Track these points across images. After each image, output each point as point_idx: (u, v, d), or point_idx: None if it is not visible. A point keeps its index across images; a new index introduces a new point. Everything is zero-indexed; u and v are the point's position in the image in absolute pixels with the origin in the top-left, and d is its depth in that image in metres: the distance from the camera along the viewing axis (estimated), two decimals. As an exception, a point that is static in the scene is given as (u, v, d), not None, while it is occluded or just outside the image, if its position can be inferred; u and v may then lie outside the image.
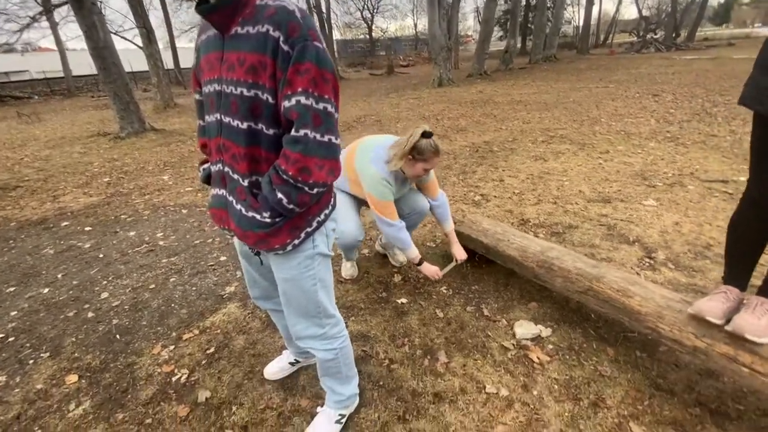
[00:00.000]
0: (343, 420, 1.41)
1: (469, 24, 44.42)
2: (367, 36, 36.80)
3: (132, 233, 3.25)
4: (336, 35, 26.57)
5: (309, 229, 1.05)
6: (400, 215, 2.04)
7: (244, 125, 0.93)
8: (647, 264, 2.25)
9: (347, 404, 1.42)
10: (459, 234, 2.29)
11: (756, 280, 1.40)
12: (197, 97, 1.14)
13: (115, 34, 8.98)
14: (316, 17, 17.84)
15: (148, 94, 16.10)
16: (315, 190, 0.94)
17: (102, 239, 3.17)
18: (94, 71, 7.77)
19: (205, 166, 1.21)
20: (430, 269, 2.06)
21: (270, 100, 0.90)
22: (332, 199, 1.12)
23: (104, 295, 2.38)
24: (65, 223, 3.57)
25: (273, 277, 1.30)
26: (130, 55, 17.60)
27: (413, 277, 2.30)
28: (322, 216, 1.08)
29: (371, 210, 1.96)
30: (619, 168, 3.87)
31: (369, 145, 1.97)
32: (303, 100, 0.86)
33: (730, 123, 5.27)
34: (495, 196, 3.38)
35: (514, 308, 1.98)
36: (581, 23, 25.96)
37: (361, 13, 35.51)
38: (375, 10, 35.90)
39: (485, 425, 1.39)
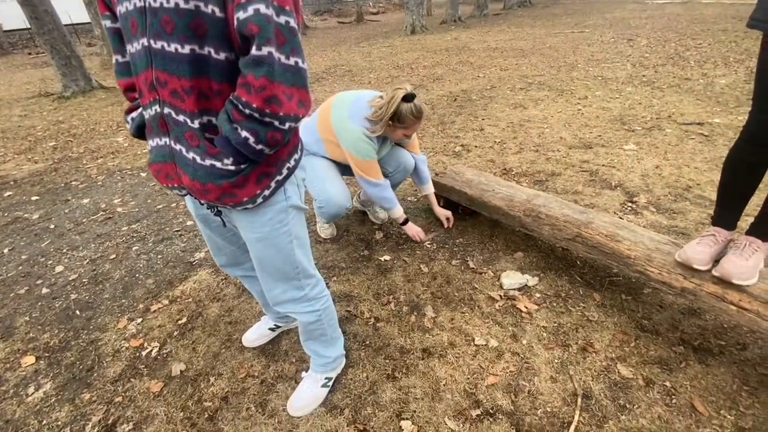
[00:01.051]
0: (330, 383, 1.35)
1: (440, -33, 41.90)
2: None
3: (86, 201, 2.97)
4: (299, -21, 24.44)
5: (279, 178, 0.90)
6: (384, 174, 1.91)
7: (186, 49, 0.73)
8: (629, 208, 2.23)
9: (333, 366, 1.35)
10: (442, 186, 2.19)
11: (743, 223, 1.37)
12: (108, 24, 0.88)
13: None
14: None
15: (93, 48, 14.57)
16: (287, 125, 0.76)
17: (52, 209, 2.89)
18: (28, 25, 6.84)
19: (134, 114, 0.96)
20: (414, 229, 1.99)
21: (217, 12, 0.70)
22: (299, 142, 0.96)
23: (59, 268, 2.17)
24: (8, 193, 3.22)
25: (239, 240, 1.16)
26: (67, 4, 15.71)
27: (395, 233, 2.21)
28: (292, 162, 0.92)
29: (353, 170, 1.81)
30: (598, 113, 3.80)
31: (345, 101, 1.78)
32: (263, 8, 0.67)
33: (702, 66, 5.24)
34: (476, 146, 3.26)
35: (500, 259, 1.93)
36: (556, -35, 24.88)
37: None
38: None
39: (476, 377, 1.36)
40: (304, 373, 1.37)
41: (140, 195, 2.98)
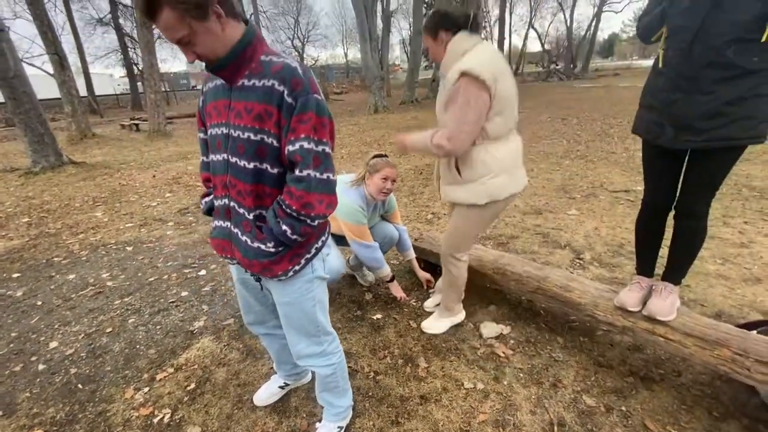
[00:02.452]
0: (342, 431, 1.50)
1: (396, 54, 46.91)
2: (298, 61, 37.09)
3: (72, 276, 3.00)
4: (267, 63, 26.44)
5: (308, 256, 1.18)
6: None
7: (251, 165, 1.05)
8: (578, 264, 2.65)
9: (345, 416, 1.51)
10: (421, 250, 2.51)
11: (660, 269, 1.78)
12: (201, 135, 1.23)
13: (22, 60, 8.11)
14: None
15: (57, 123, 14.59)
16: (316, 222, 1.07)
17: (36, 285, 2.89)
18: (3, 101, 6.95)
19: (207, 199, 1.29)
20: (398, 290, 2.28)
21: (275, 143, 1.03)
22: (328, 227, 1.26)
23: (53, 344, 2.19)
24: (-16, 272, 3.17)
25: (269, 301, 1.39)
26: (36, 82, 15.92)
27: (383, 294, 2.46)
28: (320, 243, 1.21)
29: (347, 236, 2.11)
30: (544, 184, 4.43)
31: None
32: (305, 144, 1.00)
33: (624, 142, 6.27)
34: (444, 214, 3.68)
35: (477, 312, 2.21)
36: (496, 55, 28.80)
37: (292, 42, 35.88)
38: (305, 39, 36.49)
39: (468, 416, 1.57)
40: (318, 424, 1.52)
41: (129, 268, 3.06)
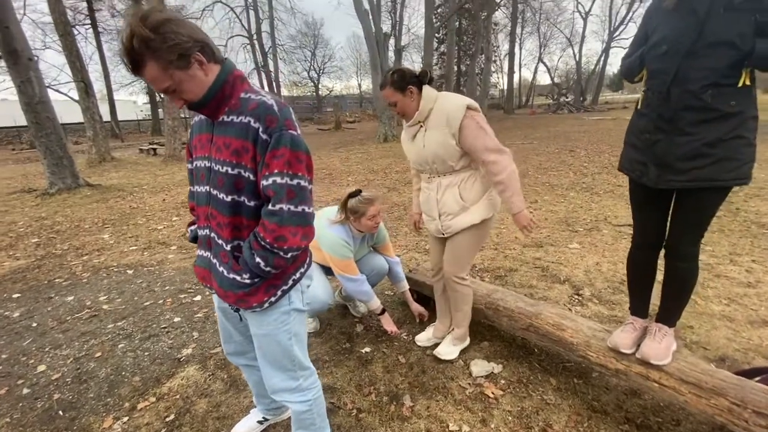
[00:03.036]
0: (317, 473, 1.44)
1: (408, 84, 48.19)
2: (314, 93, 38.42)
3: (70, 298, 3.03)
4: (284, 92, 27.45)
5: (285, 287, 1.18)
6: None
7: (229, 198, 1.08)
8: (576, 300, 2.58)
9: (320, 456, 1.45)
10: (415, 281, 2.48)
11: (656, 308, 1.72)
12: (189, 166, 1.27)
13: (48, 87, 8.62)
14: (264, 76, 18.39)
15: (79, 147, 15.21)
16: (290, 255, 1.08)
17: (34, 306, 2.92)
18: (18, 123, 7.34)
19: (193, 227, 1.32)
20: (389, 323, 2.24)
21: (251, 177, 1.06)
22: (308, 258, 1.26)
23: (41, 368, 2.19)
24: (-13, 291, 3.23)
25: (247, 331, 1.38)
26: (61, 107, 16.73)
27: (375, 326, 2.41)
28: (298, 274, 1.21)
29: (334, 270, 2.12)
30: (546, 216, 4.39)
31: (322, 215, 2.20)
32: (278, 179, 1.02)
33: (632, 175, 6.22)
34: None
35: (469, 348, 2.15)
36: (506, 87, 29.43)
37: (308, 73, 37.25)
38: (321, 71, 37.86)
39: (451, 462, 1.49)
40: (292, 464, 1.46)
41: (127, 292, 3.09)
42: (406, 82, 1.69)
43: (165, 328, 2.54)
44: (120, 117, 23.00)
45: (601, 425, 1.63)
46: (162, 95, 1.07)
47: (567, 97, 28.76)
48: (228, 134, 1.06)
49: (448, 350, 2.08)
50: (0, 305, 2.96)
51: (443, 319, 2.20)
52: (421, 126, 1.76)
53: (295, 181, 1.05)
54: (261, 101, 1.05)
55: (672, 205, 1.51)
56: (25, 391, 2.01)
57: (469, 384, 1.89)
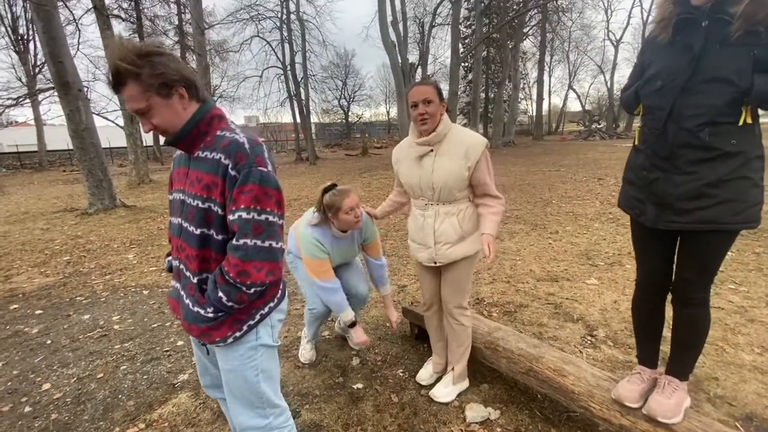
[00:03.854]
0: None
1: (436, 111, 48.80)
2: (344, 120, 39.59)
3: (86, 317, 3.15)
4: (314, 119, 28.48)
5: (251, 322, 1.16)
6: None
7: (198, 231, 1.10)
8: (589, 342, 2.41)
9: (293, 501, 1.38)
10: (414, 315, 2.41)
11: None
12: (169, 197, 1.30)
13: (97, 114, 9.40)
14: (296, 104, 19.16)
15: (123, 169, 16.27)
16: (252, 290, 1.07)
17: (52, 323, 3.05)
18: (71, 146, 7.94)
19: (170, 258, 1.34)
20: (360, 335, 2.08)
21: (220, 212, 1.08)
22: (279, 293, 1.25)
23: (46, 386, 2.26)
24: (14, 306, 3.42)
25: (222, 365, 1.36)
26: (110, 132, 18.08)
27: (371, 360, 2.34)
28: (266, 309, 1.19)
29: (308, 274, 2.06)
30: (566, 248, 4.20)
31: (304, 217, 2.18)
32: (244, 215, 1.03)
33: (663, 206, 5.90)
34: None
35: (467, 390, 2.03)
36: (535, 113, 29.19)
37: (338, 101, 38.55)
38: (351, 99, 39.09)
39: None
40: (263, 508, 1.40)
41: (138, 313, 3.17)
42: (442, 96, 1.75)
43: (167, 351, 2.57)
44: (161, 140, 24.50)
45: (604, 488, 1.47)
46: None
47: (599, 124, 28.10)
48: (201, 169, 1.09)
49: (446, 392, 1.98)
50: (21, 321, 3.12)
51: (440, 353, 2.12)
52: (431, 150, 1.75)
53: (263, 216, 1.05)
54: (233, 139, 1.08)
55: (677, 245, 1.40)
56: (27, 409, 2.06)
57: (462, 430, 1.77)
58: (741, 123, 1.14)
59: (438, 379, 2.06)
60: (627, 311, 2.74)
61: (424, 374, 2.11)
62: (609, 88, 31.54)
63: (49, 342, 2.77)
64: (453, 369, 2.01)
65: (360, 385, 2.11)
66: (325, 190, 1.99)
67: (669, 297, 1.51)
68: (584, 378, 1.68)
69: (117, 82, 1.01)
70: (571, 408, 1.69)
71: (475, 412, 1.86)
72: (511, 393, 2.00)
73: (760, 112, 1.18)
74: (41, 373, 2.40)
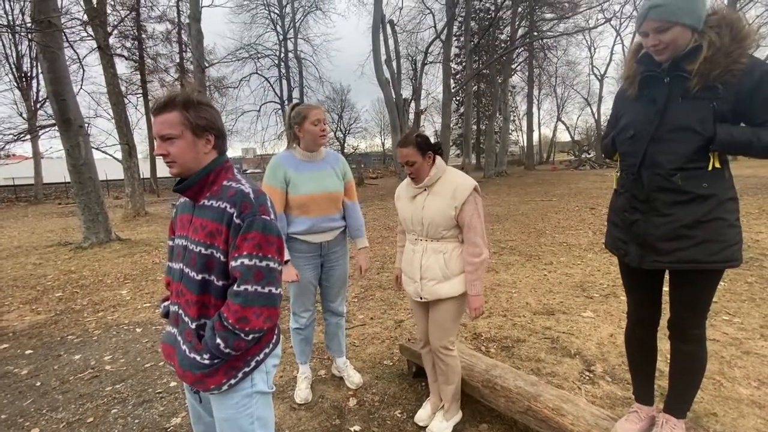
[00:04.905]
0: None
1: (430, 142, 49.86)
2: (340, 151, 40.28)
3: (77, 357, 3.08)
4: (310, 150, 28.96)
5: (246, 369, 1.17)
6: (321, 284, 2.33)
7: (199, 276, 1.13)
8: (587, 378, 2.40)
9: None
10: (412, 352, 2.40)
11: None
12: (170, 243, 1.34)
13: (96, 149, 9.53)
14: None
15: (119, 201, 16.28)
16: (250, 337, 1.09)
17: (42, 364, 2.99)
18: (67, 179, 7.98)
19: (166, 303, 1.36)
20: (291, 273, 2.06)
21: (222, 258, 1.12)
22: (274, 337, 1.26)
23: (35, 431, 2.19)
24: (4, 346, 3.34)
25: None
26: (107, 165, 18.22)
27: (368, 401, 2.31)
28: (262, 355, 1.21)
29: None
30: (561, 279, 4.23)
31: None
32: (246, 261, 1.08)
33: (655, 235, 5.99)
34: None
35: (466, 430, 2.00)
36: (525, 144, 29.96)
37: (335, 134, 39.36)
38: (347, 131, 39.97)
39: None
40: None
41: (131, 352, 3.12)
42: (428, 147, 1.80)
43: (160, 393, 2.52)
44: (159, 174, 24.68)
45: None
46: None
47: (589, 154, 28.85)
48: (206, 217, 1.14)
49: (441, 427, 1.97)
50: (11, 361, 3.05)
51: (437, 392, 2.09)
52: (425, 190, 1.84)
53: (264, 263, 1.10)
54: (239, 189, 1.14)
55: (668, 282, 1.45)
56: (13, 458, 2.00)
57: (462, 474, 1.74)
58: (710, 168, 1.22)
59: None
60: (623, 345, 2.74)
61: (423, 415, 2.08)
62: (596, 119, 32.63)
63: (38, 384, 2.70)
64: (444, 406, 2.01)
65: (357, 428, 2.07)
66: (295, 105, 2.09)
67: (663, 330, 1.54)
68: (583, 417, 1.67)
69: (164, 105, 1.11)
70: (572, 449, 1.68)
71: (475, 454, 1.83)
72: (511, 433, 1.98)
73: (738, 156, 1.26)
74: (30, 417, 2.33)
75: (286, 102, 19.43)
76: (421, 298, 1.89)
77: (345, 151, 40.02)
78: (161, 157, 1.16)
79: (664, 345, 1.59)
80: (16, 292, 4.95)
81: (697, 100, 1.21)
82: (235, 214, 1.10)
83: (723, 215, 1.24)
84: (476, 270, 1.77)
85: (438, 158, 1.85)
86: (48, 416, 2.33)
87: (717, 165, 1.23)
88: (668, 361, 1.53)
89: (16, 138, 9.80)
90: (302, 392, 2.32)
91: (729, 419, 1.96)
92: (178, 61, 19.98)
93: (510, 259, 5.15)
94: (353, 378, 2.44)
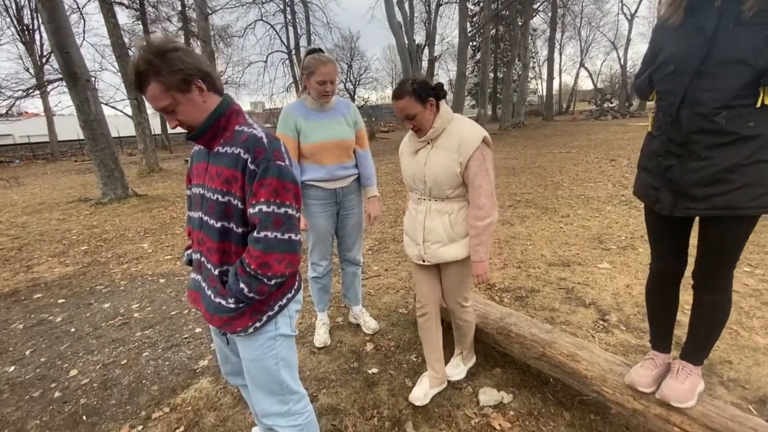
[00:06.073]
0: (310, 498, 1.43)
1: (443, 93, 47.89)
2: (350, 103, 39.07)
3: (107, 305, 3.24)
4: (319, 103, 28.22)
5: (271, 313, 1.19)
6: (338, 234, 2.35)
7: (218, 224, 1.13)
8: (601, 326, 2.42)
9: (314, 481, 1.44)
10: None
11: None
12: (187, 192, 1.33)
13: (106, 104, 9.46)
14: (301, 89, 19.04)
15: (133, 158, 16.42)
16: (273, 282, 1.10)
17: (75, 312, 3.16)
18: (81, 136, 8.01)
19: (189, 251, 1.37)
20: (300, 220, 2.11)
21: (239, 205, 1.11)
22: (296, 283, 1.27)
23: (73, 372, 2.35)
24: (38, 296, 3.53)
25: (242, 353, 1.41)
26: (118, 121, 18.17)
27: (385, 346, 2.39)
28: (284, 300, 1.23)
29: None
30: (578, 232, 4.17)
31: None
32: (264, 208, 1.06)
33: (677, 187, 5.79)
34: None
35: (479, 374, 2.07)
36: (545, 93, 28.57)
37: (344, 84, 38.07)
38: (357, 82, 38.57)
39: (448, 498, 1.43)
40: (286, 487, 1.46)
41: (157, 301, 3.26)
42: (427, 93, 1.55)
43: (186, 338, 2.65)
44: (170, 129, 24.57)
45: (616, 469, 1.51)
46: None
47: (611, 103, 27.42)
48: (221, 164, 1.11)
49: (457, 371, 2.04)
50: (46, 310, 3.23)
51: (435, 365, 1.93)
52: (428, 143, 1.66)
53: (282, 210, 1.07)
54: (252, 134, 1.09)
55: (697, 231, 1.39)
56: (57, 394, 2.16)
57: (476, 413, 1.81)
58: (759, 105, 1.11)
59: (438, 394, 1.94)
60: (640, 295, 2.73)
61: (419, 393, 1.88)
62: (622, 65, 30.66)
63: (73, 330, 2.87)
64: (462, 353, 2.07)
65: (375, 370, 2.16)
66: (310, 51, 1.98)
67: (683, 281, 1.50)
68: (597, 363, 1.69)
69: (139, 83, 1.04)
70: (584, 392, 1.72)
71: (489, 396, 1.90)
72: (524, 377, 2.04)
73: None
74: (68, 359, 2.49)
75: (293, 51, 18.64)
76: (423, 261, 1.78)
77: (355, 103, 38.90)
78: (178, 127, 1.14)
79: (682, 296, 1.56)
80: (43, 246, 5.15)
81: (751, 26, 1.07)
82: (249, 160, 1.06)
83: (767, 157, 1.14)
84: (480, 235, 1.61)
85: (442, 105, 1.62)
86: (84, 359, 2.50)
87: (766, 101, 1.11)
88: (686, 311, 1.51)
89: (25, 94, 9.74)
90: (321, 337, 2.41)
91: (743, 367, 1.97)
92: (179, 8, 19.11)
93: (525, 212, 5.08)
94: (369, 324, 2.52)
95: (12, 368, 2.44)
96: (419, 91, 1.54)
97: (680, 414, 1.41)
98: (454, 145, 1.57)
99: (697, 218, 1.35)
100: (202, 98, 1.10)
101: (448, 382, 1.99)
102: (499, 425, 1.73)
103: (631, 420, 1.71)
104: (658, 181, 1.34)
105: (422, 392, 1.88)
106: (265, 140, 1.09)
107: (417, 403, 1.86)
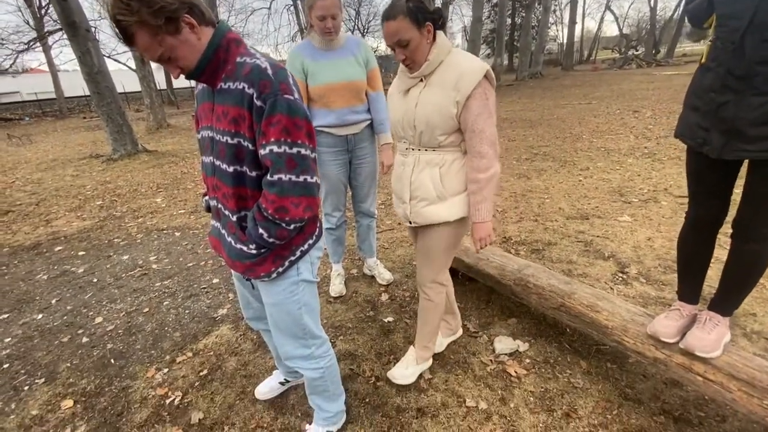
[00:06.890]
0: (331, 436, 1.48)
1: (457, 42, 45.52)
2: (358, 55, 37.46)
3: (125, 257, 3.31)
4: (327, 54, 27.05)
5: (293, 258, 1.16)
6: (352, 184, 2.30)
7: (231, 169, 1.06)
8: (620, 279, 2.37)
9: (334, 421, 1.50)
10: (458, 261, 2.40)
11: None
12: (197, 136, 1.25)
13: (108, 57, 9.17)
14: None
15: (140, 114, 16.23)
16: (292, 226, 1.05)
17: (96, 263, 3.23)
18: (87, 93, 7.88)
19: (206, 197, 1.31)
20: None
21: (250, 147, 1.03)
22: (317, 229, 1.23)
23: (98, 319, 2.43)
24: (58, 248, 3.62)
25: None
26: (123, 76, 17.79)
27: (399, 296, 2.40)
28: (306, 246, 1.19)
29: None
30: (597, 185, 4.04)
31: None
32: (275, 148, 0.98)
33: (704, 138, 5.50)
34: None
35: (495, 324, 2.08)
36: (565, 41, 26.85)
37: (352, 32, 36.26)
38: (365, 30, 36.68)
39: (465, 438, 1.47)
40: (308, 426, 1.52)
41: (173, 253, 3.31)
42: (425, 16, 1.28)
43: (204, 288, 2.70)
44: (176, 85, 24.04)
45: (632, 414, 1.52)
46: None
47: (637, 50, 25.72)
48: (226, 102, 1.02)
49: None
50: (67, 262, 3.31)
51: (447, 317, 1.86)
52: (422, 80, 1.38)
53: (294, 150, 1.00)
54: (255, 65, 0.99)
55: (744, 176, 1.28)
56: (84, 339, 2.25)
57: (491, 360, 1.83)
58: None
59: (454, 342, 1.89)
60: (661, 248, 2.66)
61: (398, 373, 1.72)
62: (652, 6, 28.35)
63: (95, 280, 2.95)
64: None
65: (390, 319, 2.18)
66: None
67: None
68: (618, 313, 1.66)
69: (125, 36, 0.93)
70: (603, 342, 1.71)
71: (504, 344, 1.91)
72: (540, 327, 2.03)
73: None
74: (92, 308, 2.58)
75: (299, -3, 17.60)
76: (410, 223, 1.53)
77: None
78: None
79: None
80: (60, 201, 5.22)
81: None
82: (255, 95, 0.97)
83: None
84: (482, 189, 1.36)
85: (440, 35, 1.34)
86: (108, 307, 2.57)
87: None
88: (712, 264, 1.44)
89: (27, 46, 9.47)
90: (336, 287, 2.43)
91: (768, 318, 1.93)
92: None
93: (543, 165, 4.92)
94: (384, 275, 2.52)
95: (40, 315, 2.53)
96: (415, 12, 1.26)
97: (704, 363, 1.38)
98: (452, 81, 1.30)
99: (745, 162, 1.24)
100: (196, 35, 0.98)
101: (463, 330, 2.00)
102: (515, 372, 1.75)
103: (649, 368, 1.72)
104: (707, 121, 1.22)
105: (402, 372, 1.73)
106: (270, 71, 0.98)
107: (397, 382, 1.72)
